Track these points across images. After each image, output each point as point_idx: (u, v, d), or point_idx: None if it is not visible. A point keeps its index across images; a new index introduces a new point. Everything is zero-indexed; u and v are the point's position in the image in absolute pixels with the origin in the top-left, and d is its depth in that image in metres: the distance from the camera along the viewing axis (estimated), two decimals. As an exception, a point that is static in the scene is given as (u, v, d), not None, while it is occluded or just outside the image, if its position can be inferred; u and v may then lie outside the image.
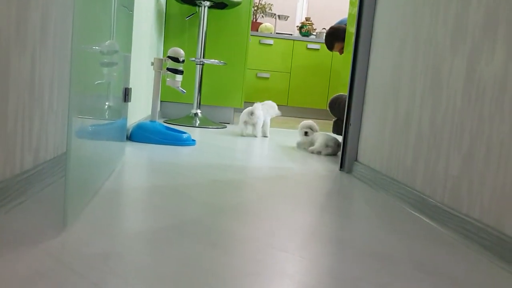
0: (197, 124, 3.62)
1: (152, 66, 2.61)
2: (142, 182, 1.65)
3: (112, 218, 1.22)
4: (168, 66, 2.61)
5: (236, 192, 1.63)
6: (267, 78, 5.73)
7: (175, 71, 2.62)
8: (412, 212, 1.56)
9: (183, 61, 2.63)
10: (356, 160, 2.22)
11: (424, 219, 1.48)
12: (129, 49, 1.94)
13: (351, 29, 4.28)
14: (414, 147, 1.65)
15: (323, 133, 2.90)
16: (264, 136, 3.42)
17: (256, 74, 5.69)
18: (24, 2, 1.22)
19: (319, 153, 2.80)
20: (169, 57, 2.60)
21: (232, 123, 4.20)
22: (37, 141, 1.41)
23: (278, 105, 3.63)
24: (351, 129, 2.22)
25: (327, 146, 2.77)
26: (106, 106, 1.51)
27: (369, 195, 1.78)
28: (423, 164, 1.57)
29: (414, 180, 1.63)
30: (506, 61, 1.19)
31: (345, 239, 1.22)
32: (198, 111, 3.72)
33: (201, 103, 4.08)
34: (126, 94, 1.92)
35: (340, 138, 2.77)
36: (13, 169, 1.26)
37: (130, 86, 2.24)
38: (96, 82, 1.31)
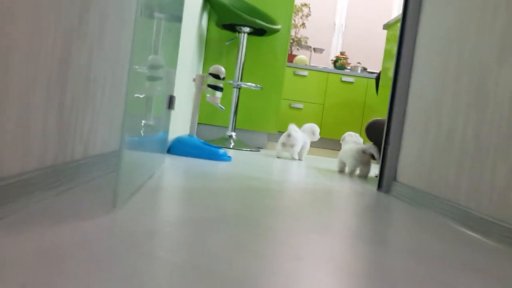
0: (231, 146, 3.66)
1: (194, 82, 2.68)
2: (182, 183, 1.68)
3: (156, 207, 1.24)
4: (209, 82, 2.68)
5: (273, 198, 1.63)
6: (300, 109, 5.77)
7: (215, 88, 2.68)
8: (456, 225, 1.53)
9: (223, 78, 2.70)
10: (394, 179, 2.19)
11: (468, 231, 1.45)
12: (174, 65, 2.03)
13: (386, 65, 4.32)
14: (457, 162, 1.63)
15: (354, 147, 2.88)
16: (299, 159, 3.42)
17: (290, 104, 5.74)
18: (86, 1, 1.30)
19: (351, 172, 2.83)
20: (210, 74, 2.68)
21: (266, 148, 4.22)
22: (88, 135, 1.46)
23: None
24: (389, 149, 2.20)
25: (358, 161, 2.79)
26: (152, 117, 1.57)
27: (408, 212, 1.75)
28: (467, 178, 1.55)
29: (458, 195, 1.59)
30: (558, 67, 1.18)
31: (386, 239, 1.20)
32: (233, 133, 3.77)
33: (236, 127, 4.14)
34: (171, 102, 1.98)
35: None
36: (65, 157, 1.30)
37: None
38: (143, 95, 1.37)
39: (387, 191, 2.20)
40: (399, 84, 2.19)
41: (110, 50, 1.54)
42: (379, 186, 2.25)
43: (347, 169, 2.90)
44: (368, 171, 2.85)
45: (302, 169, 2.81)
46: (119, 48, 1.65)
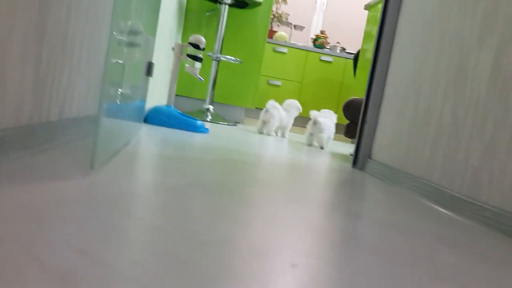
0: (208, 119, 3.63)
1: (172, 51, 2.63)
2: (160, 151, 1.66)
3: (134, 172, 1.23)
4: (188, 52, 2.64)
5: (251, 169, 1.63)
6: (278, 86, 5.76)
7: (195, 58, 2.64)
8: (428, 202, 1.57)
9: (203, 48, 2.66)
10: (369, 157, 2.23)
11: (440, 208, 1.49)
12: (154, 33, 1.98)
13: (365, 46, 4.34)
14: (433, 140, 1.66)
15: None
16: (282, 136, 3.45)
17: (268, 81, 5.72)
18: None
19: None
20: (190, 43, 2.63)
21: (243, 123, 4.21)
22: (64, 97, 1.42)
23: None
24: (366, 127, 2.23)
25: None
26: (130, 85, 1.54)
27: (382, 188, 1.78)
28: (442, 156, 1.58)
29: (431, 173, 1.63)
30: (537, 50, 1.21)
31: (360, 212, 1.22)
32: (210, 106, 3.74)
33: (214, 100, 4.11)
34: (149, 68, 1.94)
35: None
36: (40, 117, 1.27)
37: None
38: (122, 62, 1.34)
39: (362, 168, 2.23)
40: (378, 65, 2.20)
41: (89, 9, 1.49)
42: (354, 163, 2.28)
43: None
44: (321, 141, 3.04)
45: (280, 145, 2.82)
46: (98, 8, 1.60)
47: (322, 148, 3.11)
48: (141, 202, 0.93)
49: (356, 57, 4.01)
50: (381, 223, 1.14)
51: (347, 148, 3.72)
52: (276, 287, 0.63)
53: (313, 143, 3.18)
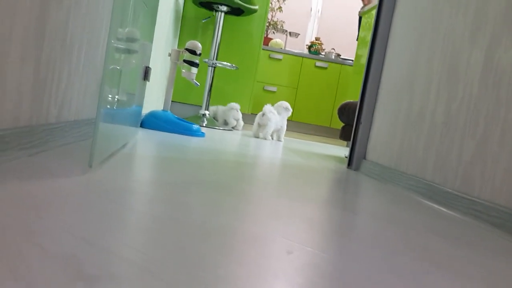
0: (204, 124, 3.66)
1: (169, 57, 2.65)
2: (156, 153, 1.68)
3: (132, 170, 1.24)
4: (184, 58, 2.67)
5: (248, 170, 1.65)
6: (274, 92, 5.80)
7: (191, 63, 2.67)
8: (421, 199, 1.59)
9: (199, 54, 2.69)
10: (364, 158, 2.25)
11: (433, 204, 1.51)
12: (151, 39, 2.01)
13: (360, 52, 4.38)
14: (426, 138, 1.69)
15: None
16: (278, 140, 3.47)
17: (263, 87, 5.76)
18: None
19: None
20: (186, 49, 2.66)
21: (239, 129, 4.23)
22: (62, 99, 1.44)
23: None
24: (361, 127, 2.26)
25: None
26: (127, 91, 1.56)
27: (376, 186, 1.81)
28: (435, 153, 1.61)
29: (425, 171, 1.66)
30: (525, 47, 1.24)
31: (355, 207, 1.24)
32: (206, 112, 3.76)
33: (210, 105, 4.13)
34: (146, 73, 1.96)
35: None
36: (39, 118, 1.28)
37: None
38: (119, 68, 1.36)
39: (357, 169, 2.26)
40: (372, 66, 2.24)
41: (87, 14, 1.52)
42: (349, 164, 2.30)
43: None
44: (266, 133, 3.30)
45: (276, 148, 2.85)
46: (96, 13, 1.63)
47: (265, 138, 3.40)
48: (139, 196, 0.95)
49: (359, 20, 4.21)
50: (375, 217, 1.16)
51: (342, 150, 3.75)
52: (273, 270, 0.65)
53: (260, 135, 3.44)
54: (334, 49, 6.13)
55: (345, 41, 6.45)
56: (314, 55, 5.89)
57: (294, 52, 5.81)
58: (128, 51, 1.45)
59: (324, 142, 4.41)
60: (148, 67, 1.98)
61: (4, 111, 1.06)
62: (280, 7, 6.21)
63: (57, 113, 1.41)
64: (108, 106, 1.21)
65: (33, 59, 1.16)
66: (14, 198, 0.77)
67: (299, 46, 6.43)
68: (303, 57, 5.80)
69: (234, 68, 3.74)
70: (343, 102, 2.99)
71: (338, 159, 2.83)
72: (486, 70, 1.40)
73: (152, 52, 2.60)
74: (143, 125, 2.59)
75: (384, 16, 2.24)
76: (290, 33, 6.19)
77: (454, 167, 1.48)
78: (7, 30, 1.00)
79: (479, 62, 1.44)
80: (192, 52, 2.66)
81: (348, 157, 2.32)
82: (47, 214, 0.72)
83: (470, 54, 1.50)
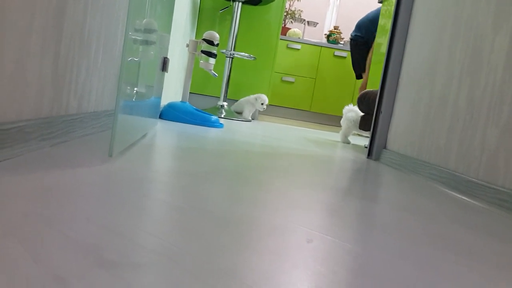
0: (222, 115, 3.66)
1: (187, 48, 2.66)
2: (175, 143, 1.68)
3: (152, 160, 1.25)
4: (202, 48, 2.66)
5: (267, 160, 1.65)
6: (292, 83, 5.76)
7: (209, 54, 2.66)
8: (444, 189, 1.56)
9: (217, 44, 2.68)
10: (384, 147, 2.22)
11: (456, 194, 1.48)
12: (168, 30, 2.01)
13: (379, 40, 4.31)
14: (448, 127, 1.65)
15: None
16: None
17: (281, 78, 5.73)
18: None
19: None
20: (204, 39, 2.66)
21: (257, 120, 4.22)
22: (82, 91, 1.46)
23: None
24: (381, 117, 2.22)
25: None
26: (145, 82, 1.57)
27: (397, 176, 1.78)
28: (457, 142, 1.57)
29: (447, 160, 1.63)
30: (552, 31, 1.20)
31: (376, 197, 1.23)
32: (225, 103, 3.76)
33: (228, 97, 4.13)
34: (164, 64, 1.97)
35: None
36: (60, 110, 1.30)
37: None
38: (138, 60, 1.36)
39: (377, 159, 2.23)
40: (393, 55, 2.20)
41: (104, 6, 1.52)
42: (369, 154, 2.28)
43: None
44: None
45: (295, 138, 2.83)
46: (114, 4, 1.63)
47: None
48: (159, 185, 0.95)
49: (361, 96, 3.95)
50: (397, 206, 1.14)
51: (362, 141, 3.71)
52: (293, 259, 0.64)
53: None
54: (353, 38, 6.05)
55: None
56: (332, 44, 5.82)
57: (312, 42, 5.76)
58: (146, 42, 1.45)
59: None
60: (166, 57, 1.99)
61: (26, 103, 1.07)
62: (298, -4, 6.15)
63: (77, 105, 1.42)
64: (127, 98, 1.22)
65: (52, 52, 1.17)
66: (37, 187, 0.78)
67: (318, 36, 6.37)
68: (321, 46, 5.74)
69: (252, 58, 3.72)
70: (363, 91, 2.95)
71: (358, 148, 2.80)
72: (510, 57, 1.36)
73: (170, 43, 2.61)
74: (162, 116, 2.60)
75: (404, 3, 2.19)
76: (308, 22, 6.13)
77: (477, 155, 1.45)
78: (26, 26, 1.01)
79: (504, 48, 1.40)
80: (210, 42, 2.65)
81: (367, 147, 2.30)
82: (68, 203, 0.73)
83: (494, 40, 1.46)
